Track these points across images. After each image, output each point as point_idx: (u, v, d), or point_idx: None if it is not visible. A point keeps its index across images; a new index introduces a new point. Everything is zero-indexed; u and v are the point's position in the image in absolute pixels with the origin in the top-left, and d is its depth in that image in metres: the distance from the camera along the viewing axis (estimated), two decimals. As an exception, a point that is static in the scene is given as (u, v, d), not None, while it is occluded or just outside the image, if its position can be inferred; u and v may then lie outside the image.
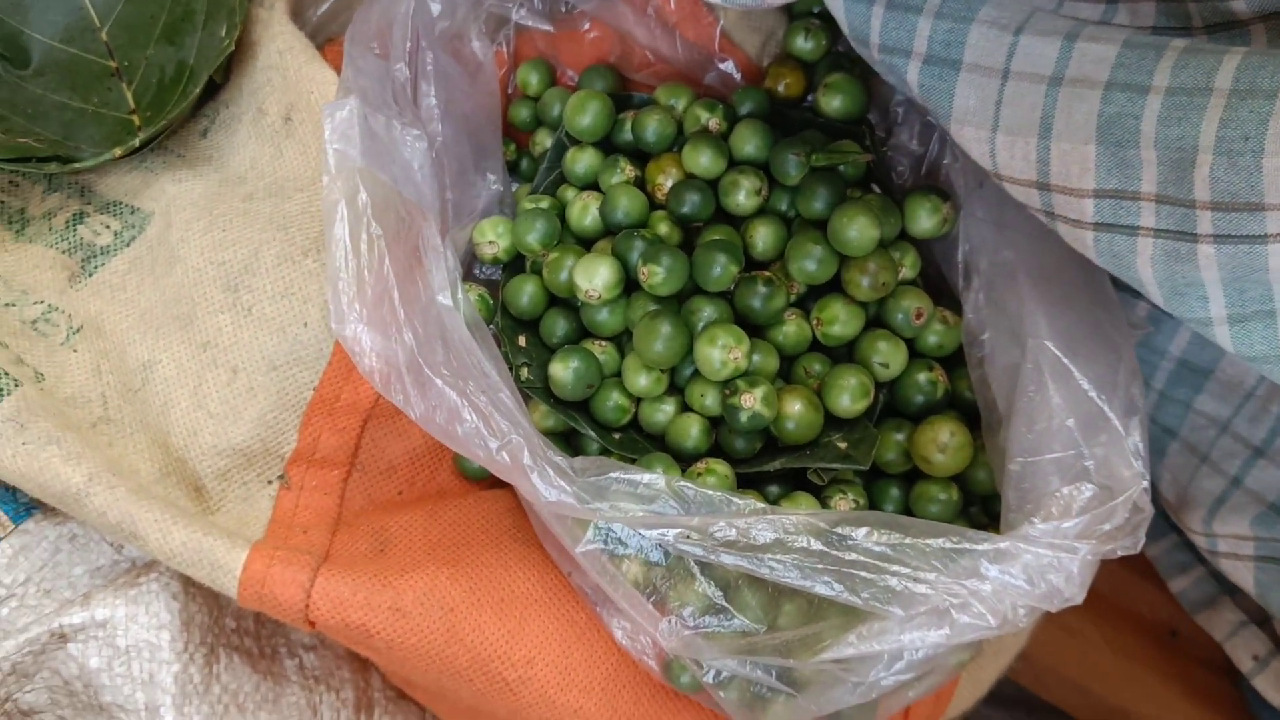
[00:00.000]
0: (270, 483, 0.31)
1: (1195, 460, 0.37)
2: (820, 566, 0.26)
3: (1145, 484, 0.27)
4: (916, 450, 0.30)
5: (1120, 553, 0.27)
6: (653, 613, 0.28)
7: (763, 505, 0.27)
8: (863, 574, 0.26)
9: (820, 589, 0.25)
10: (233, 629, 0.33)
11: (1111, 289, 0.30)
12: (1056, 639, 0.44)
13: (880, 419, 0.32)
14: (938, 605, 0.26)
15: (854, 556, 0.26)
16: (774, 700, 0.29)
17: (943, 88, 0.28)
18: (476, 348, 0.28)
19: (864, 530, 0.26)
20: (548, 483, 0.27)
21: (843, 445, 0.30)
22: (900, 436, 0.31)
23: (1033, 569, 0.26)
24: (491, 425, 0.27)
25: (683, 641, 0.27)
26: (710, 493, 0.26)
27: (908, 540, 0.26)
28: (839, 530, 0.26)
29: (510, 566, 0.31)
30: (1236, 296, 0.24)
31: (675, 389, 0.31)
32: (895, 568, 0.26)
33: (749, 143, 0.32)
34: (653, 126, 0.34)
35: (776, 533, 0.26)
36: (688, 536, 0.26)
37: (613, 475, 0.27)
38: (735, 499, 0.26)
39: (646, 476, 0.27)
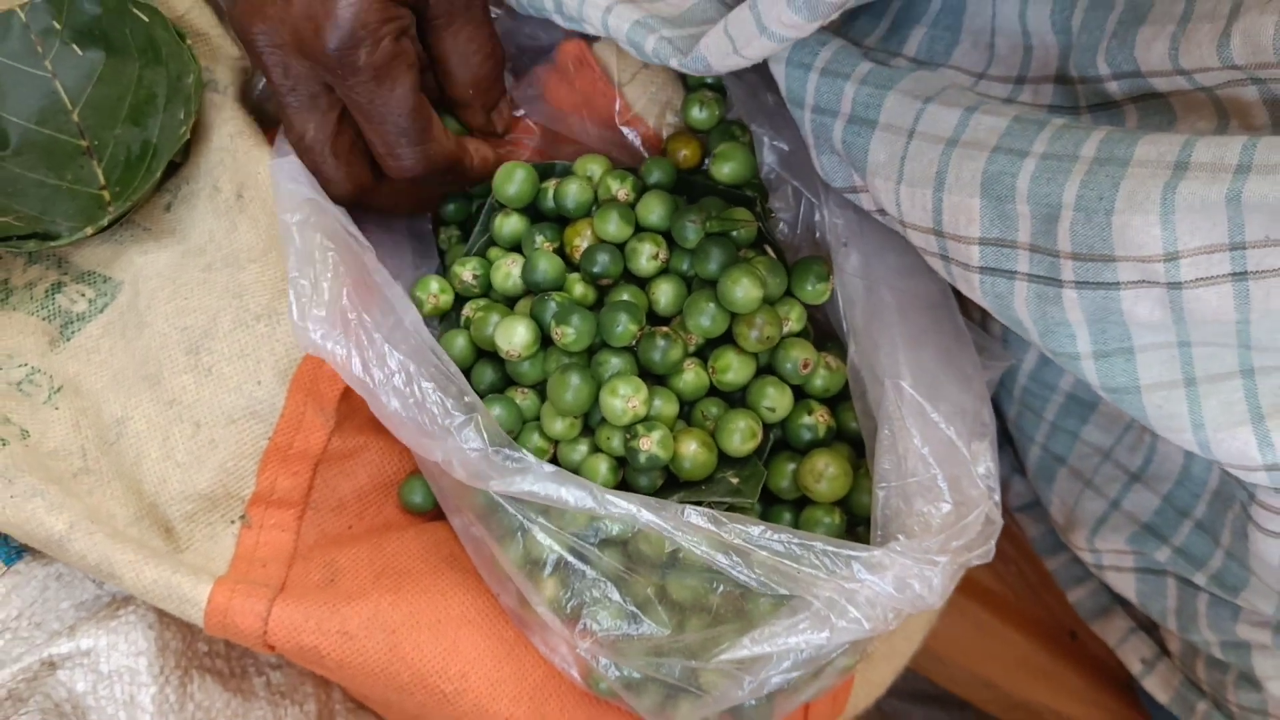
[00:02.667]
0: (233, 522, 0.35)
1: (1080, 484, 0.41)
2: (723, 545, 0.30)
3: (995, 500, 0.31)
4: (801, 480, 0.34)
5: (975, 562, 0.31)
6: (567, 624, 0.32)
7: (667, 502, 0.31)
8: (759, 555, 0.29)
9: (721, 559, 0.29)
10: (205, 652, 0.37)
11: (964, 328, 0.34)
12: (968, 640, 0.48)
13: (775, 452, 0.36)
14: (819, 611, 0.30)
15: (751, 547, 0.30)
16: (681, 701, 0.33)
17: (860, 143, 0.32)
18: (428, 334, 0.32)
19: (759, 529, 0.30)
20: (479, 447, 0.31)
21: (735, 480, 0.34)
22: (792, 467, 0.35)
23: (900, 578, 0.30)
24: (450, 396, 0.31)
25: (599, 646, 0.31)
26: (618, 496, 0.30)
27: (795, 540, 0.30)
28: (739, 526, 0.30)
29: (446, 591, 0.34)
30: (1099, 335, 0.28)
31: (589, 430, 0.35)
32: (785, 562, 0.29)
33: (653, 211, 0.36)
34: (572, 194, 0.38)
35: (681, 521, 0.30)
36: (602, 525, 0.30)
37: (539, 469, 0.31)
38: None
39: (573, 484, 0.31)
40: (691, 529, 0.30)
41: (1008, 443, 0.45)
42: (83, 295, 0.38)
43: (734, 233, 0.35)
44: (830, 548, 0.30)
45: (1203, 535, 0.36)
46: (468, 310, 0.37)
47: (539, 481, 0.31)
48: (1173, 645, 0.42)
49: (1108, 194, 0.26)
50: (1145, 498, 0.38)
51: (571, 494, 0.31)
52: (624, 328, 0.34)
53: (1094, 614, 0.45)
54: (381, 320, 0.33)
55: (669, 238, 0.36)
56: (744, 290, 0.33)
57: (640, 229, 0.36)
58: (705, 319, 0.34)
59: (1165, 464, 0.37)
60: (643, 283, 0.36)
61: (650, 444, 0.33)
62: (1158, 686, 0.43)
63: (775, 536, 0.30)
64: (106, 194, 0.39)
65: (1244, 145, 0.25)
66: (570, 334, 0.33)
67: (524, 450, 0.31)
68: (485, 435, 0.31)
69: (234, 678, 0.37)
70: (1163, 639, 0.43)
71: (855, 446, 0.36)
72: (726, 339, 0.35)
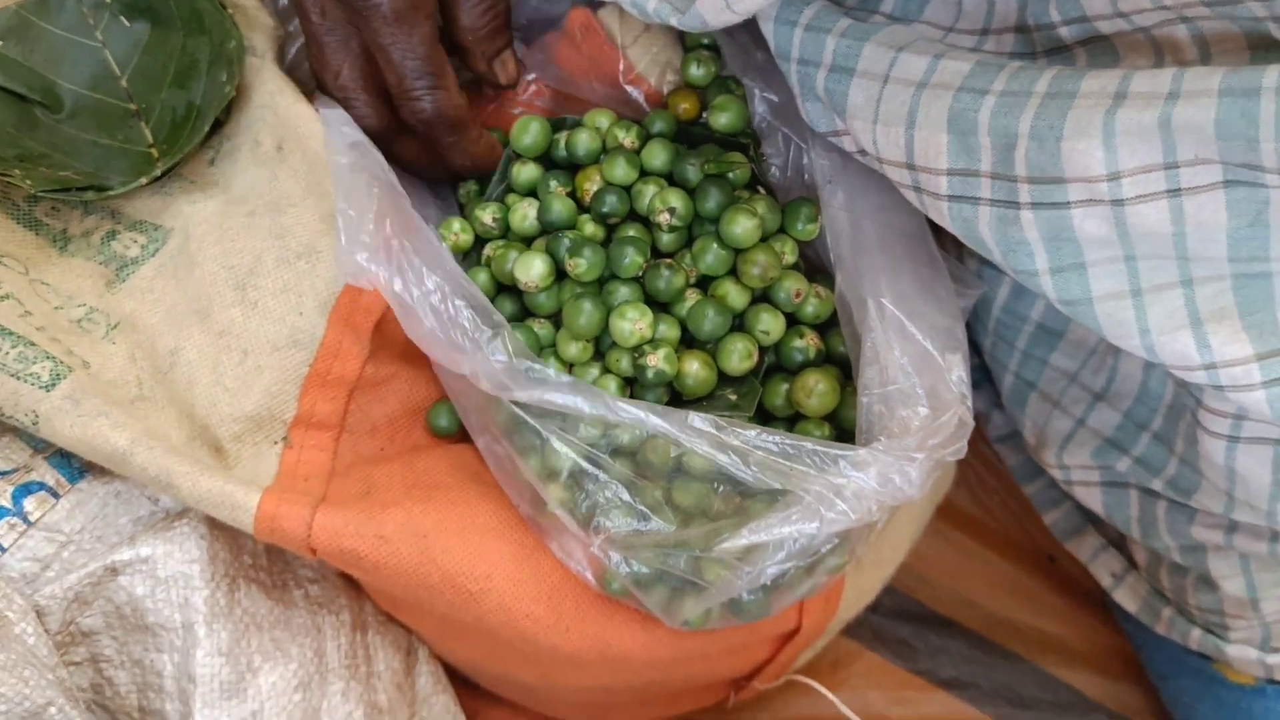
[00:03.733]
0: (276, 443, 0.39)
1: (1049, 406, 0.44)
2: (723, 446, 0.33)
3: (967, 404, 0.35)
4: (794, 396, 0.38)
5: (949, 458, 0.34)
6: (583, 525, 0.35)
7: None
8: (756, 455, 0.33)
9: (724, 463, 0.33)
10: (249, 564, 0.40)
11: (938, 256, 0.37)
12: (953, 563, 0.52)
13: (770, 374, 0.39)
14: (809, 504, 0.33)
15: (748, 448, 0.33)
16: (686, 596, 0.36)
17: (840, 90, 0.35)
18: (458, 266, 0.36)
19: (755, 431, 0.33)
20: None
21: (733, 397, 0.37)
22: (785, 387, 0.39)
23: (882, 474, 0.33)
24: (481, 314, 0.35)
25: (611, 543, 0.35)
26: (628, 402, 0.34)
27: (789, 441, 0.33)
28: (737, 428, 0.33)
29: (471, 502, 0.38)
30: (1055, 252, 0.31)
31: (600, 355, 0.39)
32: (779, 460, 0.33)
33: (657, 157, 0.40)
34: (582, 143, 0.41)
35: (685, 425, 0.33)
36: (613, 435, 0.33)
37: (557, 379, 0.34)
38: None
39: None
40: (695, 432, 0.34)
41: (986, 379, 0.49)
42: (135, 242, 0.42)
43: (730, 174, 0.39)
44: (819, 447, 0.34)
45: (1159, 445, 0.40)
46: (488, 250, 0.40)
47: (557, 390, 0.34)
48: (1139, 557, 0.46)
49: (1057, 123, 0.29)
50: (1108, 415, 0.41)
51: (586, 402, 0.34)
52: (631, 259, 0.37)
53: (1068, 534, 0.49)
54: (418, 249, 0.36)
55: (671, 180, 0.40)
56: (742, 228, 0.37)
57: (645, 173, 0.40)
58: (710, 258, 0.38)
59: (1125, 383, 0.41)
60: (647, 222, 0.40)
61: (657, 360, 0.36)
62: (1127, 597, 0.46)
63: (770, 438, 0.34)
64: (155, 151, 0.43)
65: (1174, 75, 0.28)
66: (583, 265, 0.37)
67: (544, 363, 0.35)
68: (510, 350, 0.35)
69: (275, 588, 0.41)
70: (1130, 553, 0.47)
71: (842, 368, 0.40)
72: (728, 273, 0.39)
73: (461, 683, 0.46)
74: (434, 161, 0.43)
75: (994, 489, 0.52)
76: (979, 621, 0.51)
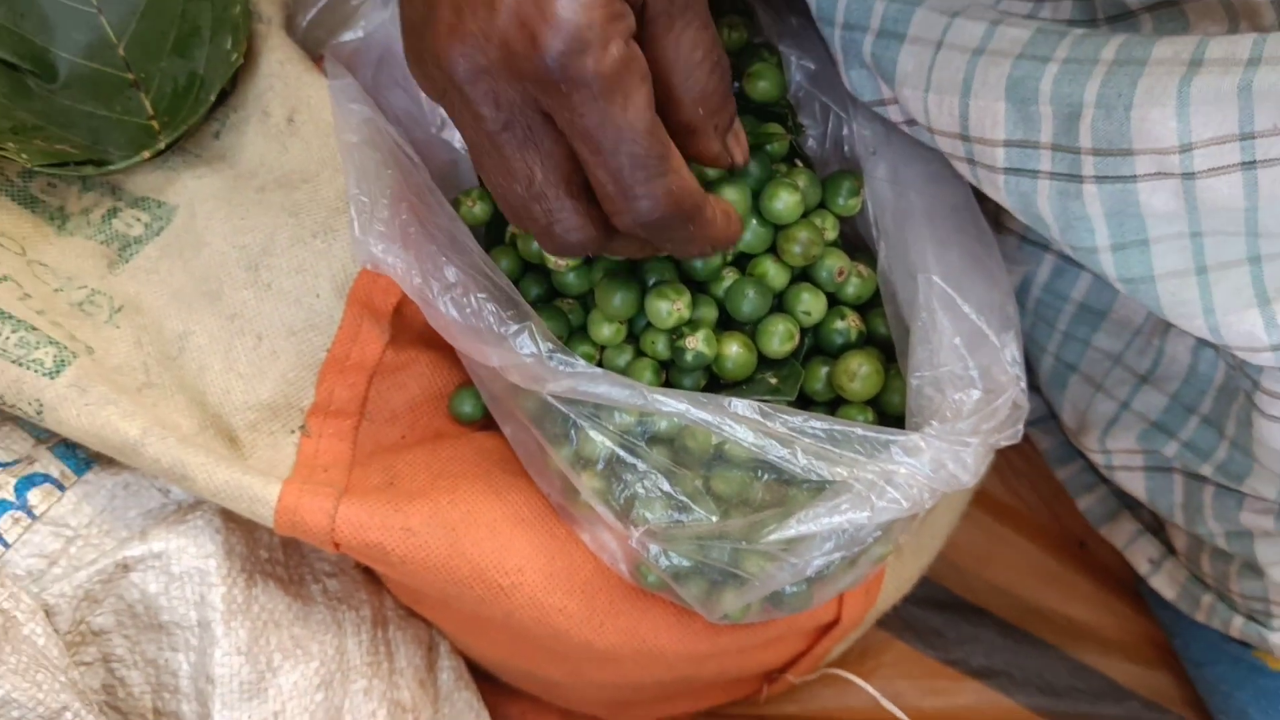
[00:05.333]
0: (293, 432, 0.37)
1: (1092, 389, 0.43)
2: (768, 434, 0.31)
3: (1022, 385, 0.33)
4: (835, 381, 0.36)
5: (1004, 443, 0.33)
6: (620, 517, 0.33)
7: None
8: (803, 442, 0.31)
9: (770, 451, 0.31)
10: (265, 559, 0.39)
11: (988, 229, 0.36)
12: (984, 550, 0.51)
13: (809, 356, 0.38)
14: (860, 493, 0.32)
15: (795, 435, 0.32)
16: (726, 589, 0.35)
17: (889, 56, 0.33)
18: (480, 249, 0.34)
19: (801, 417, 0.32)
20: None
21: (773, 380, 0.36)
22: (826, 370, 0.37)
23: (935, 459, 0.32)
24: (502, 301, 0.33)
25: (650, 536, 0.33)
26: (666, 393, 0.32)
27: (837, 426, 0.32)
28: (782, 415, 0.32)
29: (500, 492, 0.36)
30: (1117, 228, 0.30)
31: (633, 338, 0.37)
32: (827, 447, 0.31)
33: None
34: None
35: (728, 413, 0.31)
36: (650, 422, 0.32)
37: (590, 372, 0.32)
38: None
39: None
40: (737, 419, 0.32)
41: (1020, 360, 0.47)
42: (138, 220, 0.40)
43: (768, 146, 0.37)
44: (870, 433, 0.32)
45: (1209, 428, 0.39)
46: (512, 229, 0.39)
47: (591, 382, 0.33)
48: (1179, 542, 0.45)
49: (1126, 91, 0.28)
50: (1154, 398, 0.40)
51: (621, 394, 0.32)
52: (667, 237, 0.35)
53: (1103, 519, 0.48)
54: (438, 234, 0.34)
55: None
56: (784, 203, 0.35)
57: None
58: (749, 234, 0.36)
59: (1173, 365, 0.40)
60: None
61: (696, 342, 0.34)
62: (1164, 584, 0.45)
63: (817, 424, 0.32)
64: (155, 124, 0.41)
65: (1254, 40, 0.27)
66: (617, 243, 0.35)
67: (576, 355, 0.33)
68: (539, 342, 0.33)
69: (293, 584, 0.39)
70: (1169, 538, 0.46)
71: (884, 351, 0.38)
72: (767, 251, 0.37)
73: (481, 676, 0.45)
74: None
75: (1024, 473, 0.51)
76: (1010, 609, 0.50)
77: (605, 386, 0.33)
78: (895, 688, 0.47)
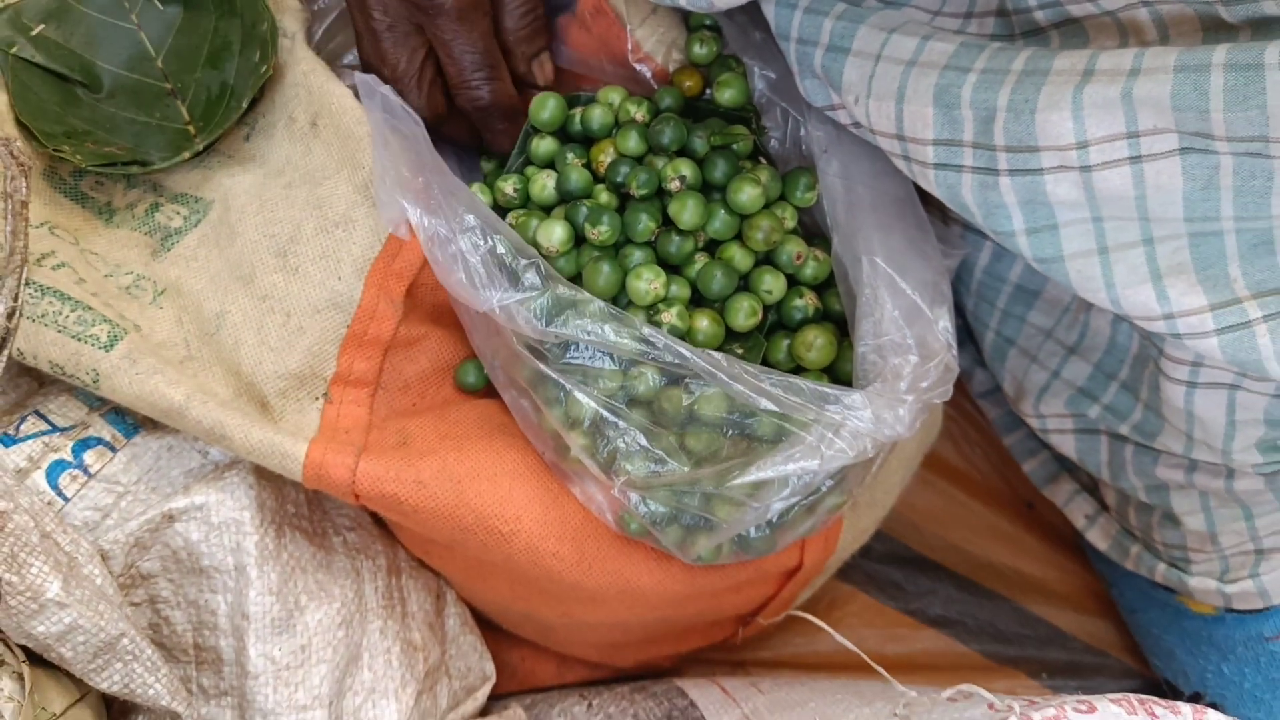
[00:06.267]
0: (318, 399, 0.42)
1: (1027, 360, 0.48)
2: (734, 377, 0.36)
3: (953, 352, 0.38)
4: (795, 351, 0.41)
5: (936, 400, 0.38)
6: (603, 469, 0.38)
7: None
8: (765, 388, 0.36)
9: (736, 386, 0.36)
10: (292, 512, 0.43)
11: (925, 217, 0.41)
12: (940, 511, 0.55)
13: (772, 330, 0.43)
14: (811, 443, 0.37)
15: (754, 381, 0.36)
16: (699, 534, 0.40)
17: (837, 67, 0.38)
18: (490, 211, 0.39)
19: (760, 370, 0.37)
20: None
21: (739, 351, 0.41)
22: (787, 342, 0.42)
23: (876, 414, 0.36)
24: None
25: (630, 485, 0.38)
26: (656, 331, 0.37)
27: (792, 380, 0.37)
28: (744, 364, 0.37)
29: (501, 451, 0.41)
30: (1030, 214, 0.34)
31: (617, 314, 0.42)
32: (782, 395, 0.36)
33: (666, 135, 0.43)
34: (596, 118, 0.44)
35: (701, 356, 0.36)
36: (630, 385, 0.37)
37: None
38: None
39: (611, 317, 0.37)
40: (711, 361, 0.37)
41: (969, 339, 0.52)
42: (178, 213, 0.44)
43: (734, 146, 0.42)
44: (820, 388, 0.37)
45: (1126, 393, 0.43)
46: (511, 218, 0.44)
47: (593, 319, 0.37)
48: (1109, 499, 0.49)
49: (1031, 97, 0.33)
50: (1080, 367, 0.45)
51: (616, 329, 0.37)
52: (644, 225, 0.41)
53: (1045, 480, 0.52)
54: (458, 192, 0.39)
55: (681, 152, 0.43)
56: (747, 196, 0.40)
57: (654, 149, 0.43)
58: (717, 223, 0.41)
59: (1096, 338, 0.44)
60: (660, 191, 0.43)
61: (671, 317, 0.39)
62: (1098, 537, 0.50)
63: (776, 378, 0.37)
64: (191, 128, 0.46)
65: (1135, 54, 0.31)
66: (605, 231, 0.40)
67: (578, 288, 0.38)
68: (544, 274, 0.38)
69: (317, 535, 0.44)
70: (1102, 496, 0.50)
71: (838, 325, 0.43)
72: (733, 238, 0.42)
73: (484, 625, 0.50)
74: (479, 140, 0.46)
75: (976, 442, 0.56)
76: (964, 565, 0.55)
77: (604, 321, 0.37)
78: (859, 635, 0.51)
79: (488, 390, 0.44)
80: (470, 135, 0.46)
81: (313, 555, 0.43)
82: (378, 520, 0.46)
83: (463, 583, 0.47)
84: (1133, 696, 0.33)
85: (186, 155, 0.43)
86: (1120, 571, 0.50)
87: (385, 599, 0.44)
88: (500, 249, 0.38)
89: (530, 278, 0.38)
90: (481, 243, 0.38)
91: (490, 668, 0.49)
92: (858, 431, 0.36)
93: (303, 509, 0.44)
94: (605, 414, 0.39)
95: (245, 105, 0.44)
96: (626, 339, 0.37)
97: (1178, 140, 0.31)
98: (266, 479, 0.42)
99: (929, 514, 0.55)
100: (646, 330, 0.37)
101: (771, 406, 0.36)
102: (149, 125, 0.46)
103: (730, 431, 0.38)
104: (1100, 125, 0.32)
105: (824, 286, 0.43)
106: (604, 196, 0.43)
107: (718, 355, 0.37)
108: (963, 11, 0.40)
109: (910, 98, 0.36)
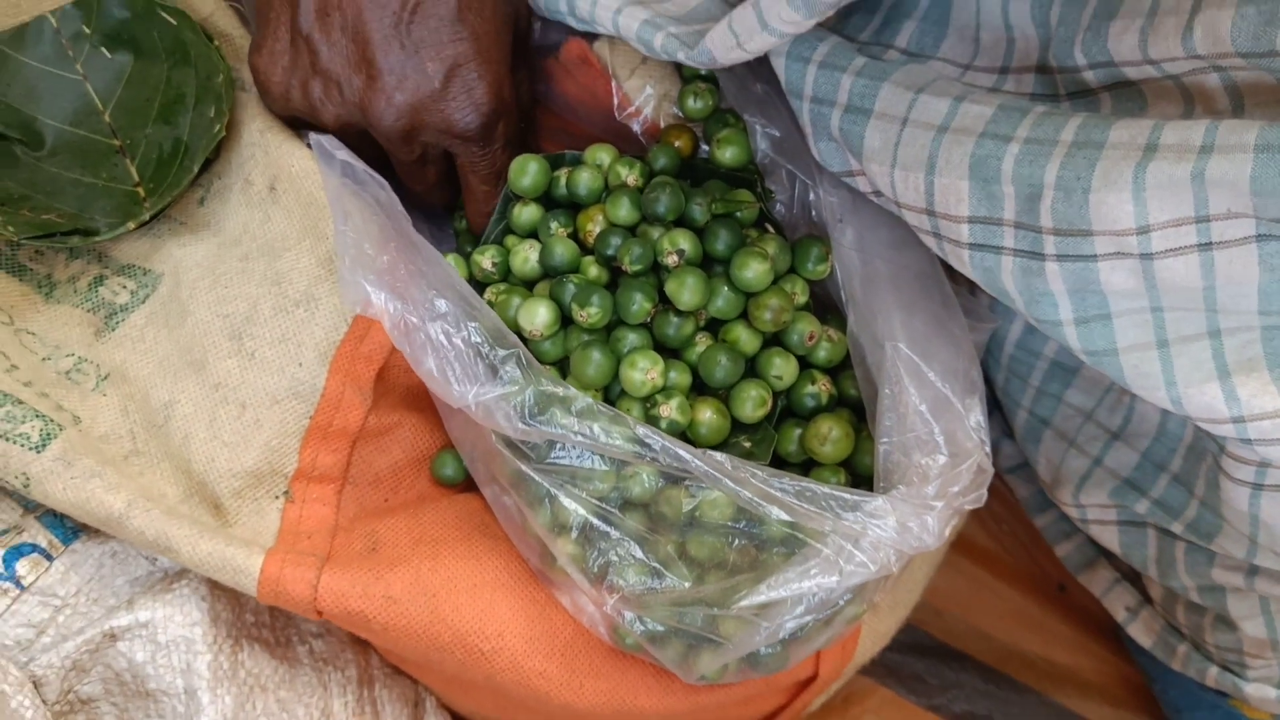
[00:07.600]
0: (277, 498, 0.38)
1: (1065, 444, 0.44)
2: (739, 481, 0.32)
3: (986, 450, 0.34)
4: (807, 444, 0.37)
5: (968, 506, 0.34)
6: (595, 583, 0.34)
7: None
8: (772, 494, 0.32)
9: (743, 493, 0.32)
10: (252, 622, 0.39)
11: (951, 293, 0.36)
12: (964, 595, 0.51)
13: (782, 419, 0.38)
14: (829, 557, 0.32)
15: (765, 488, 0.32)
16: (703, 651, 0.35)
17: (856, 131, 0.34)
18: (470, 288, 0.35)
19: (772, 474, 0.32)
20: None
21: (747, 444, 0.36)
22: (798, 432, 0.38)
23: (901, 523, 0.32)
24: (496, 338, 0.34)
25: (625, 602, 0.34)
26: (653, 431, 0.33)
27: (806, 485, 0.32)
28: (755, 469, 0.32)
29: (480, 557, 0.37)
30: (1080, 303, 0.30)
31: (609, 404, 0.38)
32: (797, 504, 0.32)
33: (661, 203, 0.38)
34: (584, 182, 0.40)
35: (703, 458, 0.32)
36: (624, 487, 0.32)
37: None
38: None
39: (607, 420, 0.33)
40: (713, 464, 0.32)
41: (997, 408, 0.48)
42: (124, 287, 0.40)
43: (738, 213, 0.38)
44: (837, 493, 0.33)
45: (1179, 487, 0.39)
46: (489, 294, 0.39)
47: (581, 417, 0.32)
48: (1154, 592, 0.45)
49: (1085, 174, 0.29)
50: (1125, 454, 0.41)
51: (606, 428, 0.32)
52: (639, 305, 0.36)
53: (1080, 567, 0.48)
54: (427, 271, 0.35)
55: (678, 221, 0.39)
56: (754, 272, 0.36)
57: (648, 218, 0.39)
58: (721, 301, 0.36)
59: (1143, 423, 0.40)
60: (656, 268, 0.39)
61: (670, 410, 0.35)
62: (1141, 632, 0.46)
63: (787, 482, 0.33)
64: (141, 190, 0.41)
65: (1207, 128, 0.27)
66: (595, 313, 0.36)
67: (563, 382, 0.33)
68: (525, 364, 0.33)
69: (280, 646, 0.40)
70: (1145, 587, 0.46)
71: (855, 411, 0.39)
72: (738, 317, 0.37)
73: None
74: (453, 201, 0.45)
75: (1004, 519, 0.52)
76: (991, 654, 0.50)
77: (593, 417, 0.33)
78: (877, 734, 0.47)
79: (467, 483, 0.40)
80: (443, 197, 0.43)
81: (274, 670, 0.38)
82: (348, 624, 0.42)
83: (443, 694, 0.43)
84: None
85: (132, 226, 0.39)
86: (1165, 668, 0.46)
87: (356, 714, 0.40)
88: (475, 338, 0.34)
89: (510, 370, 0.33)
90: (454, 330, 0.34)
91: (475, 779, 0.44)
92: (880, 542, 0.32)
93: (264, 617, 0.40)
94: (595, 521, 0.34)
95: (198, 166, 0.40)
96: (619, 439, 0.33)
97: (1255, 226, 0.27)
98: (222, 587, 0.38)
99: (952, 597, 0.50)
100: (641, 430, 0.33)
101: (783, 515, 0.32)
102: (95, 187, 0.42)
103: (736, 540, 0.34)
104: (1165, 209, 0.27)
105: (838, 369, 0.39)
106: (593, 270, 0.38)
107: (721, 457, 0.33)
108: (997, 66, 0.36)
109: (942, 169, 0.31)
